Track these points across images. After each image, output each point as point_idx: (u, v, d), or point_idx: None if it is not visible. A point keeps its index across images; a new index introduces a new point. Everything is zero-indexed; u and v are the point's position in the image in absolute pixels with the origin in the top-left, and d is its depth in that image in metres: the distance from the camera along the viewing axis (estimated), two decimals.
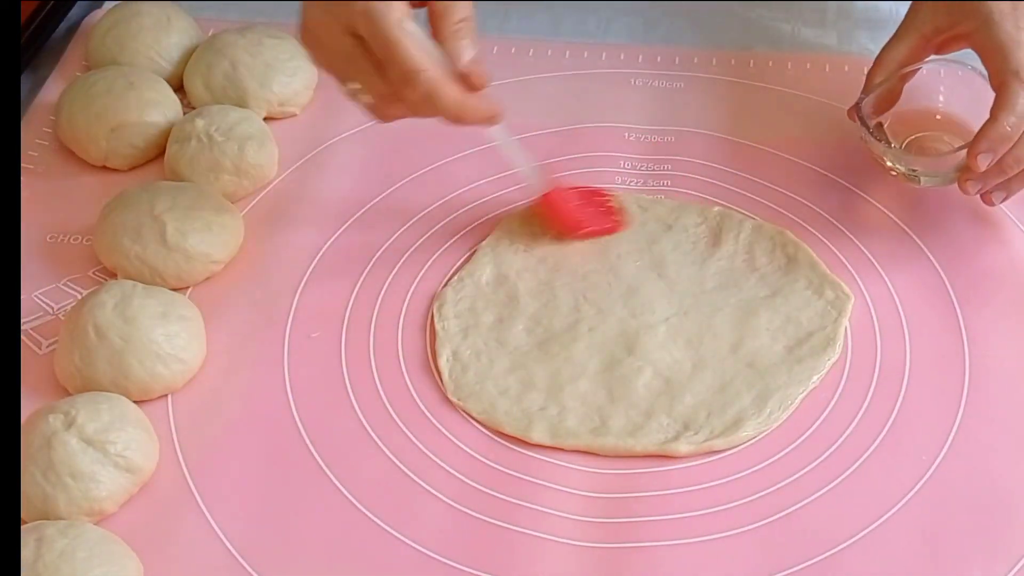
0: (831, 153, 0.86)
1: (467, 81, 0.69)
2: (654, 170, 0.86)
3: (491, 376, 0.72)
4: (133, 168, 0.86)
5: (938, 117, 0.82)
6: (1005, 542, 0.64)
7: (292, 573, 0.64)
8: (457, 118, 0.69)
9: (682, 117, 0.90)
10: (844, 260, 0.79)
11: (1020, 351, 0.74)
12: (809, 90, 0.92)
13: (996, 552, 0.64)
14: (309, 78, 0.91)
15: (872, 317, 0.76)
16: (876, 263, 0.79)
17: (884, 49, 0.81)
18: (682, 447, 0.69)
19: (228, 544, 0.65)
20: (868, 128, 0.79)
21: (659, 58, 0.95)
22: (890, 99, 0.81)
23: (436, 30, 0.70)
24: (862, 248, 0.80)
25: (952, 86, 0.81)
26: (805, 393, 0.71)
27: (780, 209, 0.83)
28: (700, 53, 0.96)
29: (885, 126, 0.81)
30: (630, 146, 0.88)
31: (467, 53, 0.69)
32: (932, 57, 0.81)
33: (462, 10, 0.70)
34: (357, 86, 0.70)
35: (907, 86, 0.81)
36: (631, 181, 0.85)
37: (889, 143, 0.80)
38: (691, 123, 0.89)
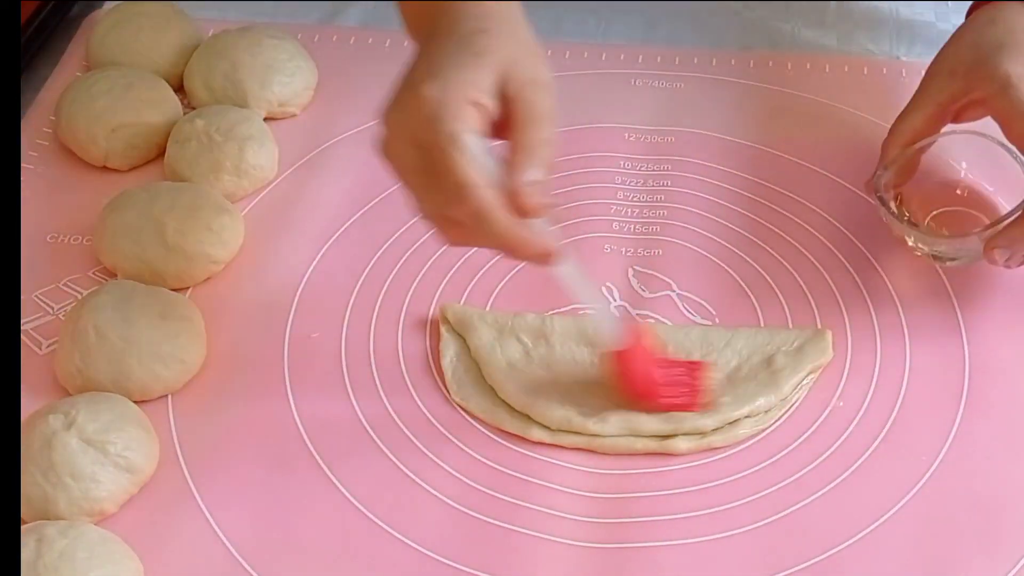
0: (831, 153, 0.86)
1: (516, 202, 0.61)
2: (654, 170, 0.86)
3: (493, 376, 0.72)
4: (133, 168, 0.86)
5: (959, 192, 0.78)
6: (1005, 542, 0.64)
7: (292, 573, 0.64)
8: (505, 246, 0.63)
9: (682, 117, 0.90)
10: (843, 260, 0.79)
11: (1020, 351, 0.74)
12: (809, 90, 0.92)
13: (996, 553, 0.64)
14: (309, 79, 0.91)
15: (872, 317, 0.76)
16: (876, 263, 0.79)
17: (899, 119, 0.77)
18: (681, 445, 0.69)
19: (228, 544, 0.65)
20: (887, 206, 0.75)
21: (659, 58, 0.95)
22: (908, 172, 0.77)
23: (511, 145, 0.63)
24: (862, 248, 0.80)
25: (973, 157, 0.77)
26: (802, 392, 0.72)
27: (780, 209, 0.83)
28: (700, 53, 0.96)
29: (904, 199, 0.77)
30: (630, 146, 0.88)
31: (526, 172, 0.61)
32: (949, 127, 0.77)
33: (543, 129, 0.63)
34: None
35: (925, 157, 0.77)
36: (631, 181, 0.85)
37: (911, 221, 0.75)
38: (691, 123, 0.89)
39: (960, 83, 0.75)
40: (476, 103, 0.61)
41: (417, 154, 0.62)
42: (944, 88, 0.76)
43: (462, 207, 0.61)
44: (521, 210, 0.61)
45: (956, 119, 0.77)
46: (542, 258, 0.64)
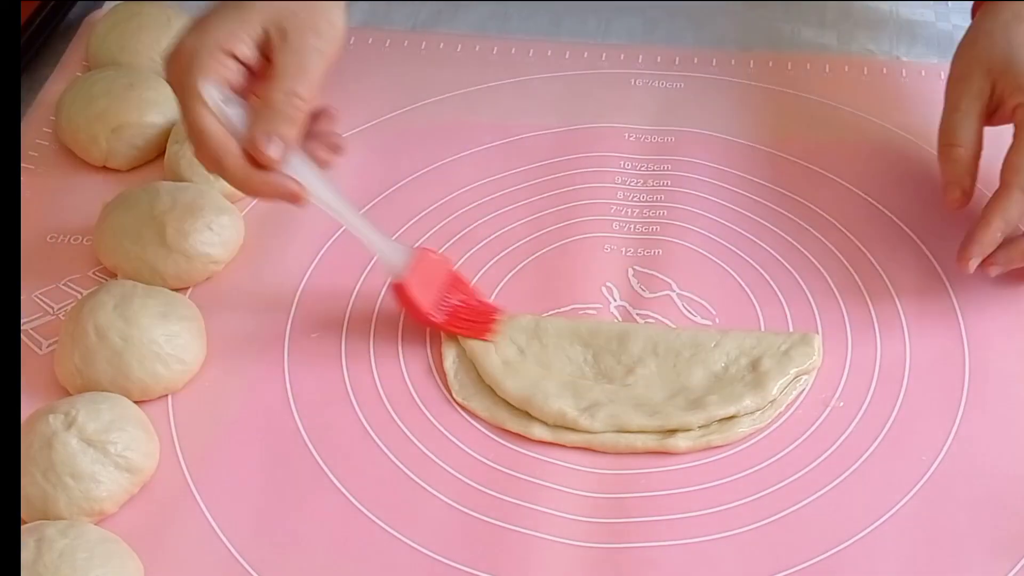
0: (831, 153, 0.86)
1: (249, 154, 0.67)
2: (654, 170, 0.86)
3: (490, 374, 0.72)
4: (133, 168, 0.86)
5: None
6: (1006, 542, 0.64)
7: (292, 573, 0.64)
8: (243, 191, 0.69)
9: (682, 117, 0.90)
10: (844, 259, 0.79)
11: (1020, 351, 0.74)
12: (809, 90, 0.92)
13: (996, 553, 0.64)
14: None
15: (872, 317, 0.76)
16: (876, 263, 0.79)
17: (948, 128, 0.76)
18: (681, 443, 0.69)
19: (228, 544, 0.65)
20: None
21: (659, 58, 0.95)
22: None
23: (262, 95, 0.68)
24: (862, 248, 0.80)
25: None
26: (792, 394, 0.72)
27: (780, 209, 0.83)
28: (700, 53, 0.96)
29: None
30: (630, 146, 0.88)
31: (259, 125, 0.66)
32: None
33: (286, 82, 0.67)
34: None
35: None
36: (631, 181, 0.85)
37: None
38: (691, 123, 0.89)
39: (997, 84, 0.75)
40: (231, 53, 0.66)
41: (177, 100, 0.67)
42: (985, 88, 0.75)
43: (200, 153, 0.67)
44: (254, 162, 0.66)
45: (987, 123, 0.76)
46: (287, 199, 0.69)
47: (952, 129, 0.77)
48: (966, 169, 0.76)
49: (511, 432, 0.70)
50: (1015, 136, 0.75)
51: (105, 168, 0.86)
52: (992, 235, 0.73)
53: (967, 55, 0.77)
